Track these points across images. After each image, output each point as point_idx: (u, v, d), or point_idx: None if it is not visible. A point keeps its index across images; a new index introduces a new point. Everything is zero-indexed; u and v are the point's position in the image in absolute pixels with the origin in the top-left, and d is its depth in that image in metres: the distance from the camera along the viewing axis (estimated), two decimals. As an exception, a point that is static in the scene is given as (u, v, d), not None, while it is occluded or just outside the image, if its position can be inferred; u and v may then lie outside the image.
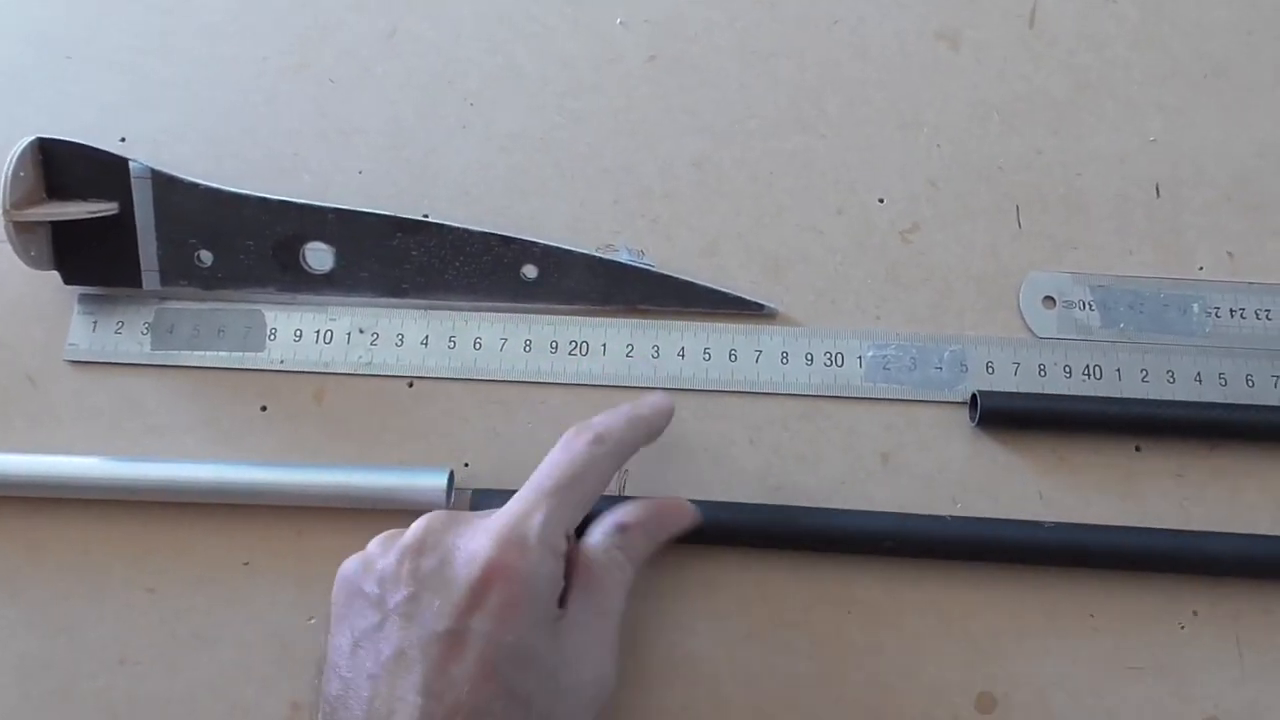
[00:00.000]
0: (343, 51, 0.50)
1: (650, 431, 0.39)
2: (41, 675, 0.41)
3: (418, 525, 0.34)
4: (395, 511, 0.41)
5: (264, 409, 0.44)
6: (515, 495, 0.35)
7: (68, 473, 0.42)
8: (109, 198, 0.44)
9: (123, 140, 0.48)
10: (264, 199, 0.44)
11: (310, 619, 0.41)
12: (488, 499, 0.40)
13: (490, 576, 0.32)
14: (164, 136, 0.49)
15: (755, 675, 0.40)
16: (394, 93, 0.49)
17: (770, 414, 0.44)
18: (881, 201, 0.47)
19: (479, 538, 0.33)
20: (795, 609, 0.41)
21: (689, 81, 0.49)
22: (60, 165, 0.43)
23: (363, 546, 0.38)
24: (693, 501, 0.41)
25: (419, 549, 0.33)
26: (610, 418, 0.37)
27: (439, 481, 0.41)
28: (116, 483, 0.42)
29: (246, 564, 0.42)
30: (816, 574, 0.41)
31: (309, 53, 0.50)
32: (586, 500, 0.36)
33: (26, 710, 0.40)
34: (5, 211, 0.41)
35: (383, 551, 0.34)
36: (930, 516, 0.41)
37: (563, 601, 0.35)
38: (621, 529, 0.37)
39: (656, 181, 0.48)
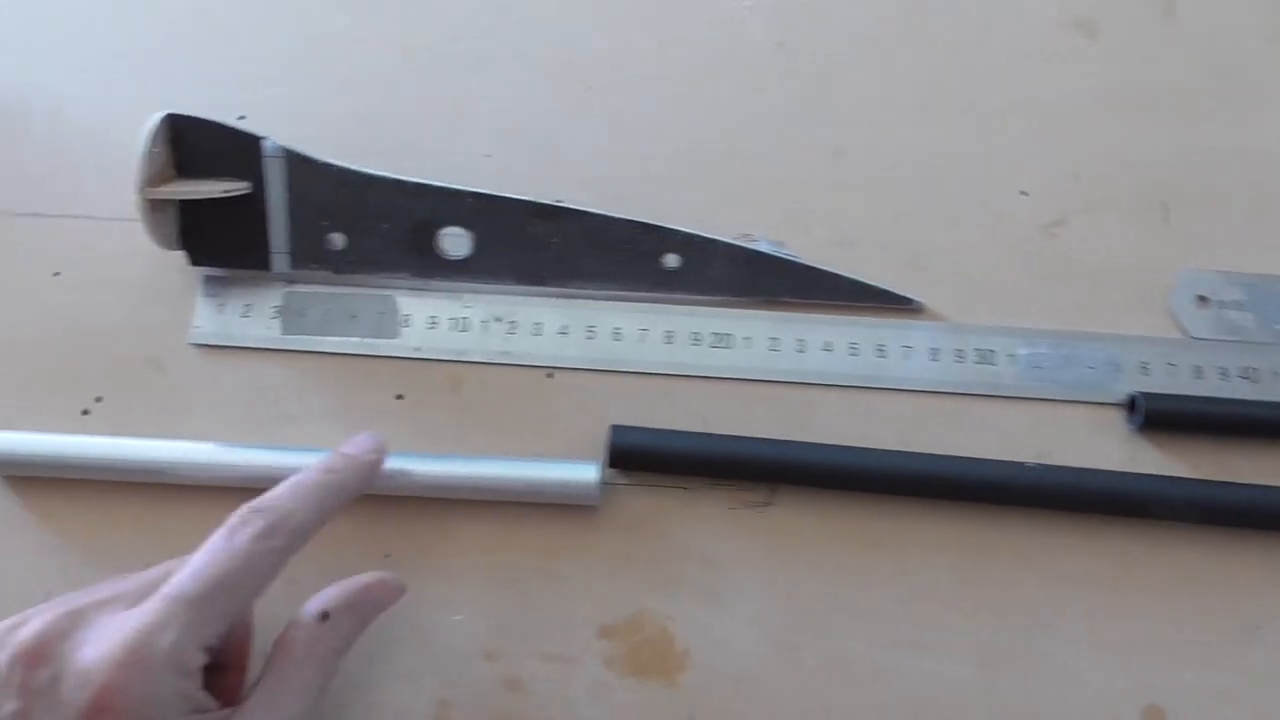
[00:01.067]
0: (460, 31, 0.49)
1: (346, 495, 0.35)
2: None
3: (36, 625, 0.30)
4: (543, 505, 0.40)
5: (400, 398, 0.43)
6: (153, 596, 0.30)
7: (195, 459, 0.40)
8: (239, 177, 0.42)
9: (241, 118, 0.47)
10: (400, 181, 0.42)
11: (457, 616, 0.40)
12: (628, 435, 0.40)
13: (102, 704, 0.28)
14: (283, 116, 0.47)
15: (907, 678, 0.39)
16: (516, 75, 0.48)
17: (920, 412, 0.43)
18: (1024, 194, 0.46)
19: (97, 649, 0.29)
20: (952, 610, 0.40)
21: (820, 68, 0.48)
22: (190, 143, 0.42)
23: (507, 540, 0.38)
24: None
25: (34, 657, 0.29)
26: (291, 496, 0.33)
27: (590, 475, 0.39)
28: (246, 470, 0.40)
29: (387, 556, 0.41)
30: (977, 574, 0.40)
31: (427, 32, 0.49)
32: (240, 606, 0.32)
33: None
34: (140, 190, 0.40)
35: None
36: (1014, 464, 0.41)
37: (236, 692, 0.33)
38: (323, 617, 0.34)
39: (790, 171, 0.46)
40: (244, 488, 0.40)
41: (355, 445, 0.36)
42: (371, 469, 0.36)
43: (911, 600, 0.40)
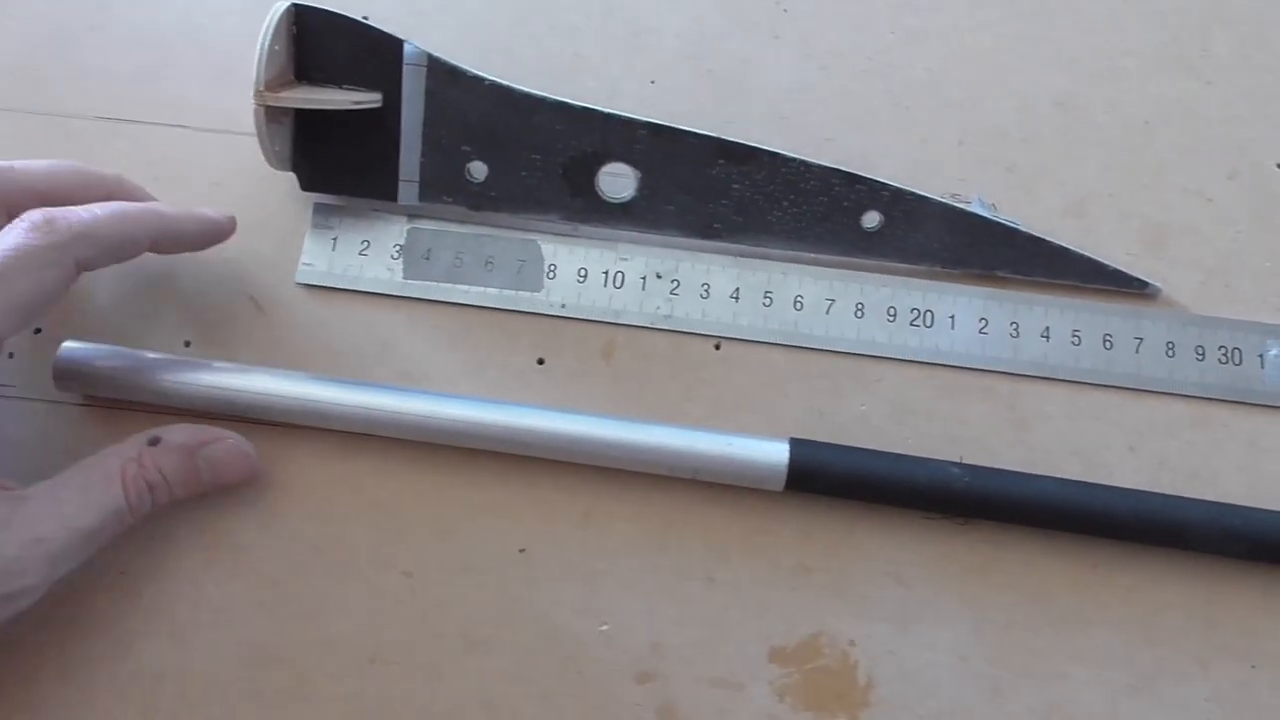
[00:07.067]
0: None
1: (169, 233, 0.33)
2: (272, 670, 0.33)
3: None
4: (708, 500, 0.34)
5: (541, 362, 0.36)
6: None
7: (310, 397, 0.34)
8: (370, 86, 0.35)
9: (364, 19, 0.39)
10: (563, 104, 0.35)
11: (603, 626, 0.33)
12: (809, 450, 0.33)
13: None
14: (414, 20, 0.40)
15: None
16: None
17: (1154, 417, 0.36)
18: (1282, 168, 0.39)
19: None
20: (1187, 658, 0.33)
21: (1050, 3, 0.41)
22: (316, 42, 0.35)
23: (664, 537, 0.34)
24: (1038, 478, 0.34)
25: None
26: (93, 208, 0.31)
27: (779, 455, 0.33)
28: (366, 416, 0.34)
29: (522, 551, 0.34)
30: (1210, 616, 0.33)
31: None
32: (16, 308, 0.29)
33: (253, 711, 0.33)
34: (258, 93, 0.33)
35: None
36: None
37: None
38: (153, 441, 0.32)
39: (1011, 122, 0.39)
40: (376, 460, 0.34)
41: (209, 212, 0.35)
42: (211, 227, 0.34)
43: (1141, 642, 0.34)
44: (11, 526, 0.28)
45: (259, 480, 0.34)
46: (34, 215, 0.30)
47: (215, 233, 0.34)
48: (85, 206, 0.31)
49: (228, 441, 0.33)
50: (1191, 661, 0.34)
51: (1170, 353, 0.37)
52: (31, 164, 0.32)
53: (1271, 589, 0.34)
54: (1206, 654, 0.34)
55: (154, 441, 0.32)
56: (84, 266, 0.30)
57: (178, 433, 0.32)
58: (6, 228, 0.29)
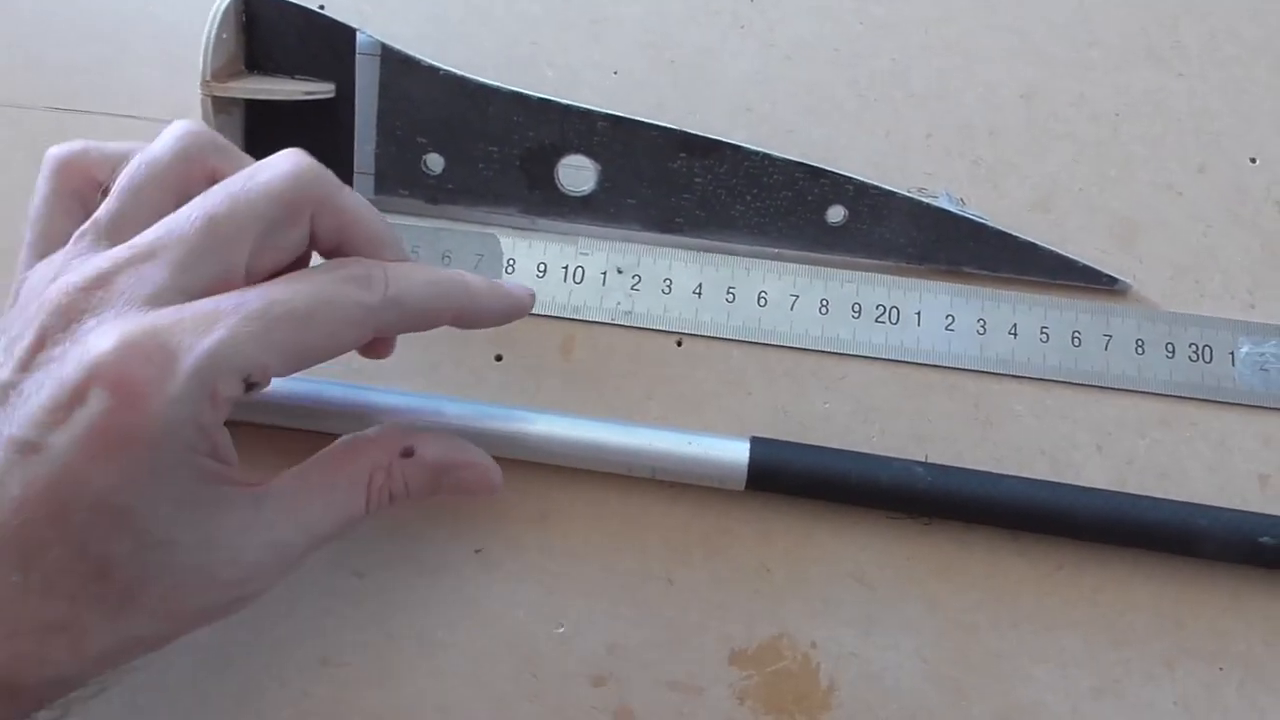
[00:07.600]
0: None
1: (470, 312, 0.29)
2: (223, 673, 0.32)
3: (84, 267, 0.24)
4: (668, 499, 0.34)
5: (499, 359, 0.35)
6: (205, 298, 0.24)
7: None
8: (322, 77, 0.35)
9: (321, 8, 0.39)
10: (520, 95, 0.35)
11: (559, 628, 0.33)
12: (770, 449, 0.33)
13: (90, 383, 0.22)
14: (371, 7, 0.39)
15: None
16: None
17: (1122, 415, 0.35)
18: (1254, 161, 0.38)
19: (116, 326, 0.23)
20: (1154, 660, 0.33)
21: (1018, -7, 0.40)
22: (266, 31, 0.34)
23: (622, 537, 0.33)
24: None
25: (65, 309, 0.23)
26: (410, 270, 0.27)
27: (739, 454, 0.33)
28: (319, 414, 0.34)
29: (478, 551, 0.33)
30: (1177, 618, 0.33)
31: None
32: (304, 354, 0.25)
33: (202, 714, 0.32)
34: (204, 83, 0.32)
35: (50, 280, 0.24)
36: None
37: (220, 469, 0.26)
38: (408, 453, 0.29)
39: (978, 114, 0.39)
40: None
41: (511, 285, 0.30)
42: (514, 306, 0.30)
43: (1107, 643, 0.33)
44: (253, 529, 0.25)
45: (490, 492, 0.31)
46: (355, 267, 0.26)
47: (518, 311, 0.30)
48: (400, 266, 0.27)
49: (478, 468, 0.30)
50: (1158, 663, 0.33)
51: (1140, 350, 0.36)
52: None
53: (1240, 590, 0.34)
54: (1173, 655, 0.33)
55: (408, 453, 0.29)
56: (376, 333, 0.27)
57: (433, 447, 0.29)
58: (322, 268, 0.26)
